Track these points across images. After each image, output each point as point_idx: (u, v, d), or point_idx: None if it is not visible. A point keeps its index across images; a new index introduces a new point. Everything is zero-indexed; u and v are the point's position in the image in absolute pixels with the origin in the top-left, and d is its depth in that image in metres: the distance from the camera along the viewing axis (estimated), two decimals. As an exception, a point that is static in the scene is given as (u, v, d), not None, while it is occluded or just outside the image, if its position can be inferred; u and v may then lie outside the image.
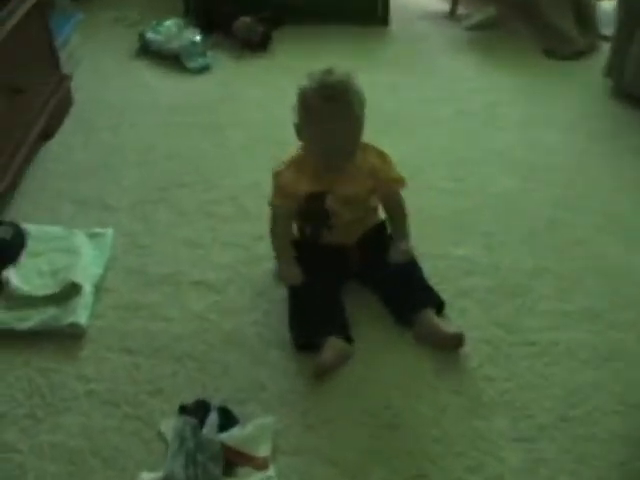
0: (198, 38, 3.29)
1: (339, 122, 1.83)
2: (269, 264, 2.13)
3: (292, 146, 1.98)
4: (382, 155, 2.00)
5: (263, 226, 2.10)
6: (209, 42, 3.37)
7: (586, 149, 2.74)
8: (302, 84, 1.87)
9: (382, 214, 2.12)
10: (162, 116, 2.93)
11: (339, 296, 1.97)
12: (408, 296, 1.96)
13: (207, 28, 3.44)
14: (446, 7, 3.86)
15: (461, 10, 3.83)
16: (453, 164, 2.64)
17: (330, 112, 1.81)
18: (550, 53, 3.42)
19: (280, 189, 1.97)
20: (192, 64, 3.22)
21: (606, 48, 3.25)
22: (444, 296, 1.98)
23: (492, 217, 2.38)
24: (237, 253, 2.20)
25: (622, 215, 2.38)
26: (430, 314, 1.91)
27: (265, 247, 2.14)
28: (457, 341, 1.86)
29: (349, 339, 1.88)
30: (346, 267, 2.05)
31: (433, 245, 2.21)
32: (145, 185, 2.50)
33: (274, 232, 2.05)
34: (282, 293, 2.00)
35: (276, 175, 1.98)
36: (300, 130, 1.91)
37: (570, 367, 1.84)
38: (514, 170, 2.62)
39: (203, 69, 3.23)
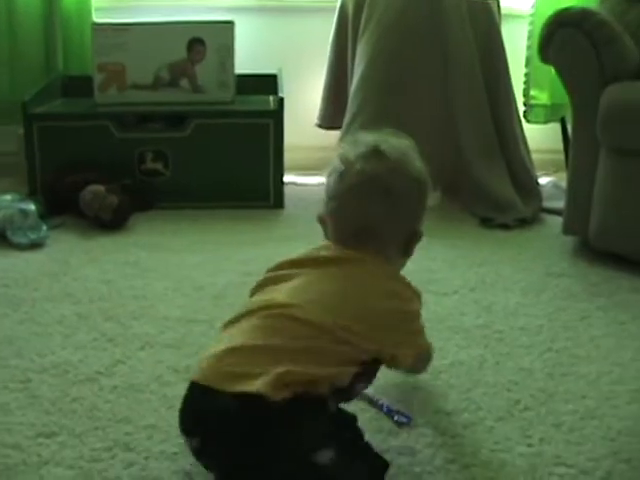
0: (31, 207, 2.50)
1: None
2: None
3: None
4: None
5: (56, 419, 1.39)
6: (52, 222, 2.59)
7: (552, 311, 2.00)
8: None
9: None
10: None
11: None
12: None
13: (54, 206, 2.70)
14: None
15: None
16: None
17: None
18: (487, 222, 2.77)
19: None
20: (20, 239, 2.40)
21: (550, 219, 2.82)
22: None
23: (441, 396, 1.55)
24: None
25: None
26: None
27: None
28: None
29: None
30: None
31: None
32: None
33: None
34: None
35: None
36: None
37: None
38: (466, 338, 1.82)
39: (34, 245, 2.40)
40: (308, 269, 1.29)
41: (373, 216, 1.30)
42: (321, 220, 1.38)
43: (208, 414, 1.13)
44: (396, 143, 1.35)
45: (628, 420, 1.47)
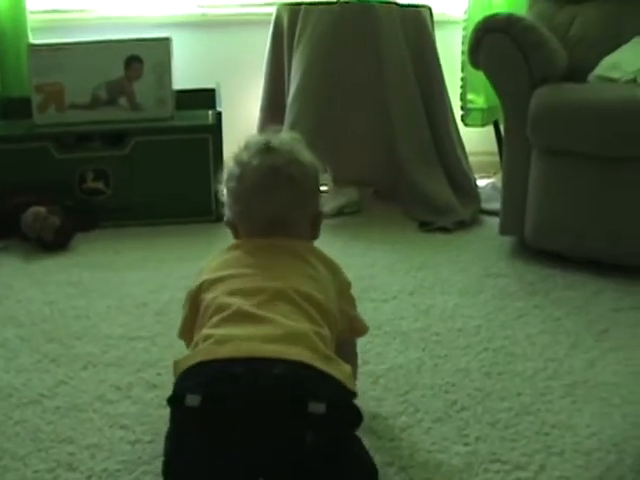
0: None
1: None
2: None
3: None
4: None
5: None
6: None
7: (489, 312, 2.04)
8: None
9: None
10: None
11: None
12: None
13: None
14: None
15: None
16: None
17: None
18: (427, 225, 2.81)
19: None
20: (-41, 264, 2.40)
21: (489, 221, 2.86)
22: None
23: (378, 400, 1.58)
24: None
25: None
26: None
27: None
28: None
29: None
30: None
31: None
32: None
33: None
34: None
35: None
36: None
37: None
38: (404, 342, 1.85)
39: (-25, 269, 2.40)
40: (249, 259, 1.33)
41: (280, 205, 1.35)
42: (230, 224, 1.42)
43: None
44: (284, 138, 1.40)
45: (562, 414, 1.52)
